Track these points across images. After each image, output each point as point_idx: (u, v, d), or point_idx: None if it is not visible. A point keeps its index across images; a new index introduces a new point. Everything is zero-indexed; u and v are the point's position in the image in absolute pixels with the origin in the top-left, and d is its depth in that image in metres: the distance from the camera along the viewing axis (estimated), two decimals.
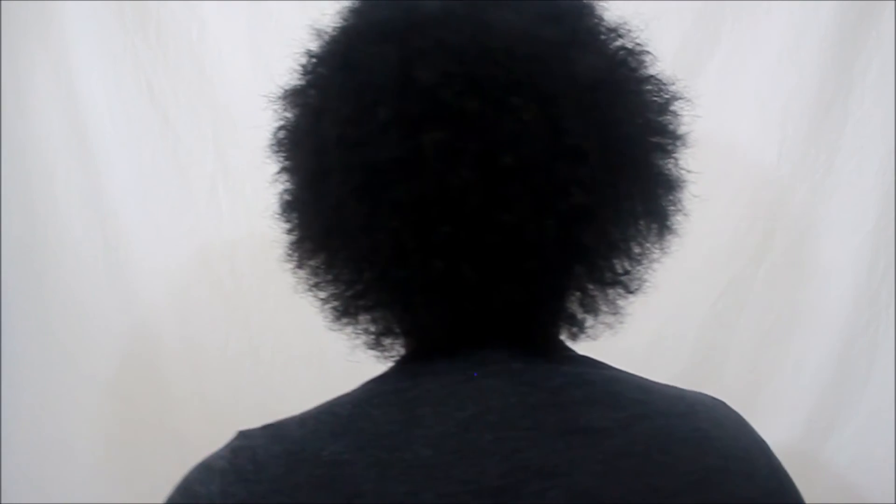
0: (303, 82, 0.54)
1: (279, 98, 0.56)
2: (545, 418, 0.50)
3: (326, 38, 0.54)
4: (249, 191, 1.08)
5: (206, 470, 0.49)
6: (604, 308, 0.54)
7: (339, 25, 0.54)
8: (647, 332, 1.08)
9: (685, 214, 0.57)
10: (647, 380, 0.56)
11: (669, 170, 0.55)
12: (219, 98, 1.06)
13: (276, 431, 0.50)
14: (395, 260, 0.47)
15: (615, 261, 0.53)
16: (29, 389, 1.05)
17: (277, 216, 0.57)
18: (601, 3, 0.55)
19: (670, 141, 0.54)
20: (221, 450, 0.50)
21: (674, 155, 0.55)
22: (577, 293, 0.53)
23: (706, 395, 0.58)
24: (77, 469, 1.06)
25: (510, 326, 0.52)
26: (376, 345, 0.55)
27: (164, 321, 1.07)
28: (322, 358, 1.09)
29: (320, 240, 0.52)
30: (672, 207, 0.55)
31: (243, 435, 0.50)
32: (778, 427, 1.04)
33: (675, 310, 1.06)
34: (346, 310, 0.53)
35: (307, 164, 0.51)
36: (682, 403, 0.54)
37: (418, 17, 0.48)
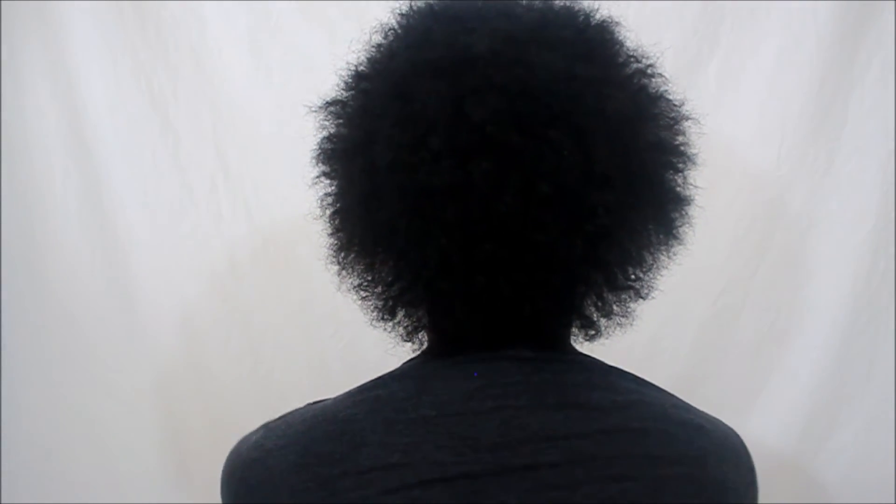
0: (349, 99, 0.59)
1: (323, 107, 0.61)
2: (545, 395, 0.57)
3: (377, 61, 0.59)
4: (250, 191, 1.08)
5: (261, 425, 0.60)
6: (616, 311, 0.61)
7: (388, 52, 0.58)
8: (647, 332, 1.08)
9: (691, 225, 0.63)
10: (643, 378, 0.63)
11: (680, 187, 0.61)
12: (219, 98, 1.07)
13: (313, 405, 0.59)
14: (441, 273, 0.53)
15: (629, 269, 0.59)
16: (29, 389, 1.06)
17: (324, 220, 0.62)
18: (621, 32, 0.60)
19: (681, 159, 0.61)
20: (282, 414, 0.60)
21: (684, 173, 0.61)
22: (594, 299, 0.60)
23: (700, 409, 0.65)
24: (76, 469, 1.07)
25: (530, 329, 0.59)
26: (411, 338, 0.62)
27: (163, 321, 1.08)
28: (322, 357, 1.09)
29: (369, 249, 0.57)
30: (679, 220, 0.62)
31: (295, 408, 0.60)
32: (777, 427, 1.06)
33: (675, 309, 1.06)
34: (387, 309, 0.59)
35: (359, 182, 0.56)
36: (675, 399, 0.62)
37: (469, 56, 0.53)
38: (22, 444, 1.06)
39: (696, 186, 0.62)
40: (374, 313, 0.61)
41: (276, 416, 0.61)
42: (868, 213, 1.03)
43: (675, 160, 0.60)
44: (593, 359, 0.62)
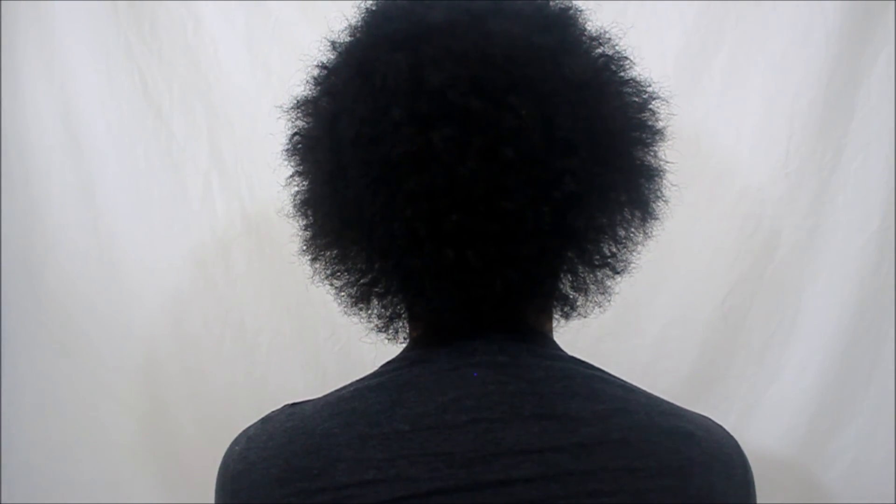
0: (316, 92, 0.61)
1: (293, 108, 0.63)
2: (521, 405, 0.56)
3: (339, 49, 0.61)
4: (244, 189, 1.09)
5: (242, 433, 0.61)
6: (593, 288, 0.61)
7: (350, 38, 0.61)
8: (653, 333, 1.09)
9: (665, 201, 0.63)
10: (631, 384, 0.62)
11: (650, 161, 0.61)
12: (213, 95, 1.09)
13: (296, 410, 0.60)
14: (410, 249, 0.54)
15: (602, 244, 0.60)
16: (29, 389, 1.08)
17: (294, 214, 0.64)
18: (584, 15, 0.62)
19: (649, 135, 0.61)
20: (264, 417, 0.61)
21: (653, 147, 0.61)
22: (569, 275, 0.60)
23: (697, 413, 0.63)
24: (76, 469, 1.09)
25: (507, 315, 0.59)
26: (386, 329, 0.63)
27: (158, 321, 1.10)
28: (317, 358, 1.10)
29: (338, 232, 0.58)
30: (653, 196, 0.62)
31: (280, 409, 0.61)
32: (781, 427, 1.07)
33: (682, 310, 1.08)
34: (361, 297, 0.60)
35: (324, 163, 0.57)
36: (665, 405, 0.60)
37: (425, 27, 0.55)
38: (22, 444, 1.07)
39: (667, 161, 0.62)
40: (349, 302, 0.62)
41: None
42: (873, 213, 1.04)
43: (643, 135, 0.60)
44: (577, 361, 0.61)
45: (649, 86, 0.62)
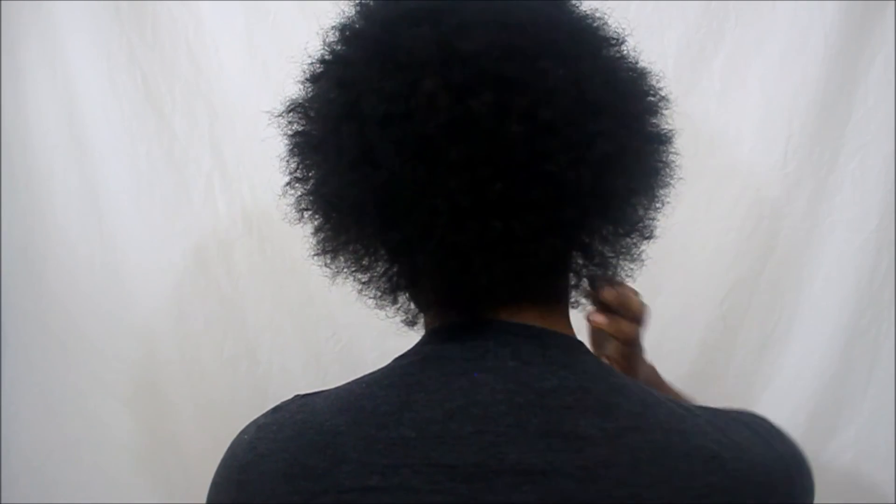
0: (322, 86, 0.60)
1: (289, 109, 0.62)
2: (528, 418, 0.54)
3: (348, 36, 0.60)
4: (246, 189, 1.09)
5: (252, 423, 0.61)
6: (624, 252, 0.61)
7: (360, 23, 0.60)
8: (652, 333, 1.08)
9: (676, 167, 0.63)
10: (657, 394, 0.59)
11: (661, 127, 0.62)
12: (215, 96, 1.09)
13: (307, 402, 0.60)
14: (452, 224, 0.53)
15: (634, 208, 0.60)
16: (28, 389, 1.08)
17: (305, 217, 0.62)
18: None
19: (659, 101, 0.61)
20: (275, 407, 0.61)
21: (662, 114, 0.62)
22: (601, 240, 0.60)
23: (742, 415, 0.60)
24: (76, 469, 1.09)
25: (535, 292, 0.59)
26: (414, 323, 0.63)
27: (160, 322, 1.10)
28: (318, 360, 1.10)
29: (368, 221, 0.56)
30: (666, 161, 0.62)
31: (291, 399, 0.61)
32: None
33: (681, 310, 1.08)
34: (390, 291, 0.59)
35: (349, 149, 0.55)
36: (687, 421, 0.56)
37: (447, 2, 0.55)
38: (22, 444, 1.08)
39: (671, 127, 0.63)
40: (376, 297, 0.61)
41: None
42: (871, 213, 1.05)
43: (653, 100, 0.61)
44: (598, 369, 0.58)
45: (638, 60, 0.62)
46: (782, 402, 1.07)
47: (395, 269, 0.58)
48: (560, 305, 0.62)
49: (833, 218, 1.06)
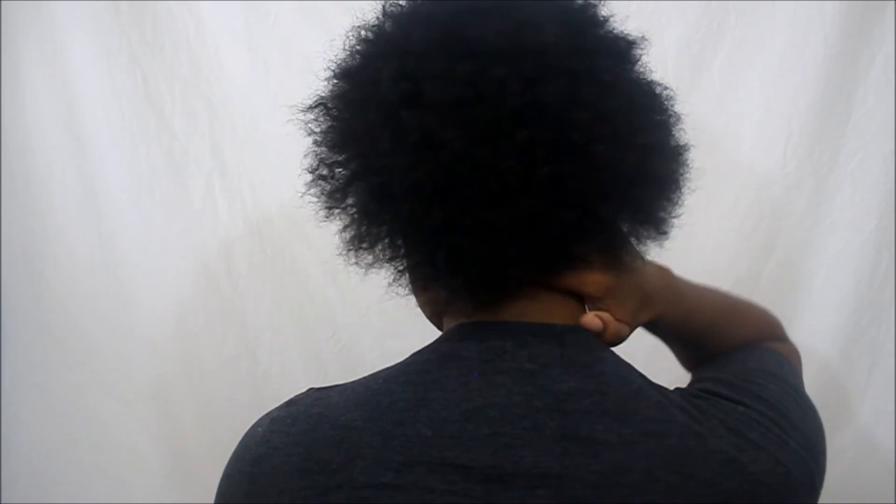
0: (381, 65, 0.58)
1: (315, 104, 0.61)
2: (545, 422, 0.54)
3: (407, 20, 0.60)
4: (246, 189, 1.09)
5: (266, 415, 0.61)
6: (657, 217, 0.62)
7: (419, 11, 0.60)
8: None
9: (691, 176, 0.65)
10: (672, 395, 0.58)
11: (675, 139, 0.63)
12: (215, 96, 1.10)
13: (322, 395, 0.60)
14: (497, 203, 0.53)
15: (667, 194, 0.61)
16: (28, 389, 1.08)
17: (335, 206, 0.61)
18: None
19: (673, 113, 0.62)
20: (289, 400, 0.61)
21: (679, 125, 0.63)
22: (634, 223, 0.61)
23: (753, 408, 0.59)
24: (76, 469, 1.09)
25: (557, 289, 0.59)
26: (439, 318, 0.63)
27: (160, 322, 1.11)
28: (318, 359, 1.10)
29: (422, 200, 0.56)
30: (685, 164, 0.64)
31: (305, 393, 0.61)
32: None
33: None
34: (432, 274, 0.58)
35: (409, 131, 0.54)
36: (705, 426, 0.55)
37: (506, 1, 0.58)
38: (22, 444, 1.08)
39: (686, 139, 0.65)
40: (408, 286, 0.62)
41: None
42: (871, 213, 1.05)
43: (667, 115, 0.62)
44: (620, 370, 0.58)
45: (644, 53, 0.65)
46: None
47: (426, 256, 0.57)
48: (577, 297, 0.62)
49: (833, 218, 1.06)
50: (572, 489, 0.52)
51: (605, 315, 0.61)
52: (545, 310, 0.59)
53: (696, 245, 1.07)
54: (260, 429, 0.59)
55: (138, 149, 1.08)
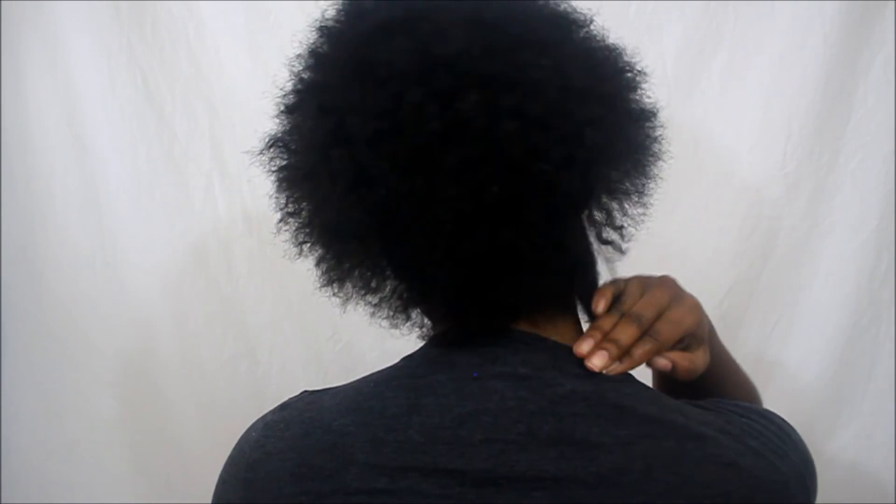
0: (298, 118, 0.59)
1: (268, 145, 0.61)
2: (540, 426, 0.54)
3: (321, 52, 0.58)
4: (246, 190, 1.09)
5: (259, 419, 0.61)
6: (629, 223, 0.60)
7: (330, 40, 0.58)
8: None
9: (663, 140, 0.61)
10: (671, 400, 0.58)
11: (643, 103, 0.60)
12: (215, 96, 1.10)
13: (315, 399, 0.60)
14: (459, 233, 0.52)
15: (626, 196, 0.59)
16: (28, 389, 1.08)
17: (307, 250, 0.60)
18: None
19: (635, 75, 0.59)
20: (282, 403, 0.61)
21: (641, 89, 0.60)
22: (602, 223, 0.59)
23: (756, 420, 0.58)
24: (76, 469, 1.09)
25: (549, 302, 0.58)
26: (426, 334, 0.62)
27: (160, 321, 1.10)
28: (319, 359, 1.10)
29: (370, 242, 0.56)
30: (650, 138, 0.60)
31: (298, 396, 0.61)
32: None
33: None
34: (402, 308, 0.58)
35: (342, 172, 0.54)
36: (703, 428, 0.55)
37: (416, 9, 0.54)
38: (22, 444, 1.08)
39: (652, 101, 0.61)
40: (389, 316, 0.60)
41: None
42: (871, 213, 1.05)
43: (631, 76, 0.59)
44: (613, 377, 0.57)
45: (603, 32, 0.60)
46: (782, 402, 1.06)
47: (404, 286, 0.57)
48: (571, 316, 0.61)
49: (833, 218, 1.06)
50: (569, 491, 0.52)
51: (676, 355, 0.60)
52: (537, 327, 0.58)
53: (695, 244, 1.08)
54: (254, 433, 0.59)
55: (138, 149, 1.08)
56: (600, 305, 0.60)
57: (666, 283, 0.65)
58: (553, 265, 0.54)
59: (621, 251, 0.60)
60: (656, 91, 0.62)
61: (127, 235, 1.08)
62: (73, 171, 1.08)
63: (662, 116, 0.63)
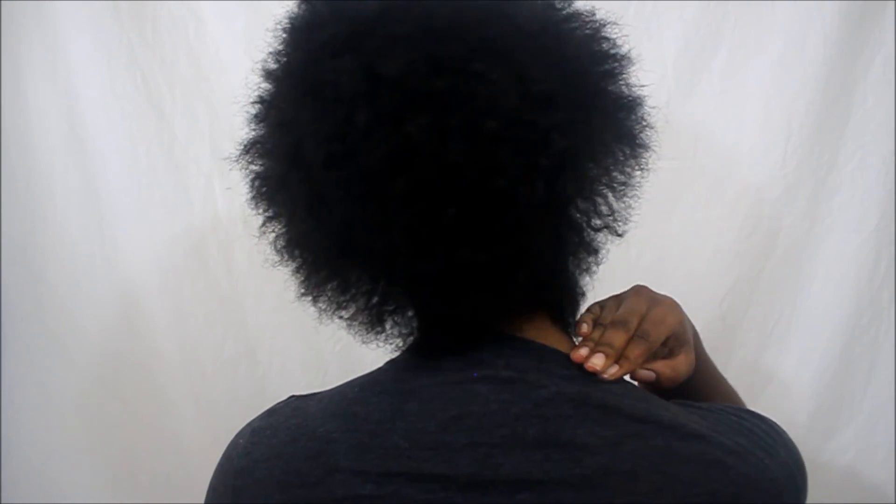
0: (264, 129, 0.59)
1: (242, 153, 0.62)
2: (525, 429, 0.53)
3: (274, 77, 0.58)
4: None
5: (247, 425, 0.61)
6: (604, 236, 0.58)
7: (280, 61, 0.58)
8: None
9: (653, 128, 0.59)
10: (657, 400, 0.57)
11: (624, 91, 0.57)
12: (215, 96, 1.10)
13: (301, 405, 0.60)
14: (418, 254, 0.51)
15: (602, 198, 0.56)
16: (28, 389, 1.08)
17: (281, 260, 0.62)
18: None
19: (616, 64, 0.57)
20: (269, 409, 0.61)
21: (623, 76, 0.57)
22: (576, 248, 0.57)
23: (746, 419, 0.58)
24: (76, 469, 1.09)
25: (525, 311, 0.57)
26: (405, 344, 0.61)
27: (159, 322, 1.10)
28: (318, 359, 1.10)
29: (335, 261, 0.56)
30: (637, 127, 0.58)
31: (285, 401, 0.61)
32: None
33: None
34: (376, 320, 0.58)
35: (300, 197, 0.54)
36: (690, 427, 0.55)
37: (362, 22, 0.52)
38: (22, 444, 1.08)
39: (639, 86, 0.58)
40: (363, 329, 0.60)
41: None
42: (871, 213, 1.05)
43: (610, 66, 0.56)
44: (598, 380, 0.57)
45: (594, 13, 0.58)
46: (782, 402, 1.07)
47: (375, 300, 0.56)
48: (556, 320, 0.61)
49: (832, 218, 1.06)
50: (555, 493, 0.52)
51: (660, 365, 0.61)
52: (520, 331, 0.58)
53: (695, 244, 1.08)
54: (241, 440, 0.59)
55: (138, 149, 1.08)
56: (583, 328, 0.60)
57: (639, 291, 0.65)
58: (519, 276, 0.53)
59: (617, 234, 0.59)
60: (656, 91, 0.61)
61: (127, 235, 1.08)
62: (73, 171, 1.08)
63: (661, 115, 0.62)
